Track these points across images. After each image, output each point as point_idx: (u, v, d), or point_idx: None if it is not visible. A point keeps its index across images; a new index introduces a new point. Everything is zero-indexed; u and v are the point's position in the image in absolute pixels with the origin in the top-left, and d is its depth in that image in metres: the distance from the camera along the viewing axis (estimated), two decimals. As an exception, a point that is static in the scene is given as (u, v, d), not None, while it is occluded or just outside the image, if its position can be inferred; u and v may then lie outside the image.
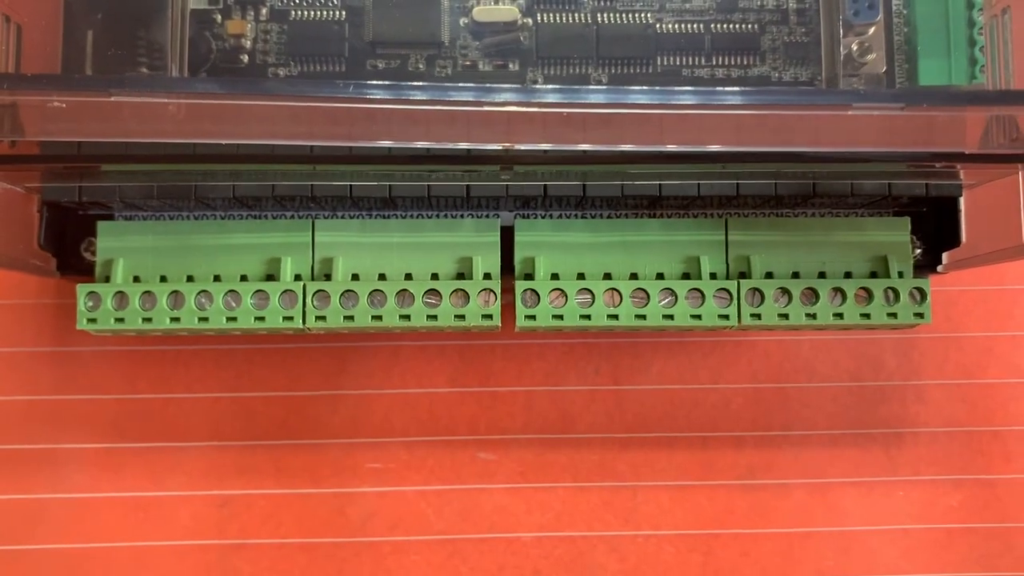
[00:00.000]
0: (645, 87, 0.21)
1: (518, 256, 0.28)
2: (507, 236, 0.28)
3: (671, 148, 0.22)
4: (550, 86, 0.21)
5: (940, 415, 0.31)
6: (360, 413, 0.30)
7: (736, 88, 0.20)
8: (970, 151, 0.23)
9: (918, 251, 0.29)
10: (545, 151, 0.23)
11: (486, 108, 0.21)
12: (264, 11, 0.29)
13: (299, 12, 0.29)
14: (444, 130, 0.22)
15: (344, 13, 0.29)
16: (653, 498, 0.30)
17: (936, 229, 0.28)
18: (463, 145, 0.23)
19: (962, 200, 0.27)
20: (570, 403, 0.31)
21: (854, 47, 0.28)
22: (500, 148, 0.23)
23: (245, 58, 0.29)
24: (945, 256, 0.28)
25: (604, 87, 0.21)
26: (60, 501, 0.30)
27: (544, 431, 0.30)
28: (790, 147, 0.22)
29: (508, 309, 0.27)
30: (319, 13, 0.29)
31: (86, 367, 0.30)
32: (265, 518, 0.30)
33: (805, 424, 0.31)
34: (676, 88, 0.21)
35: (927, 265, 0.29)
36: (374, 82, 0.21)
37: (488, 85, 0.21)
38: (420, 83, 0.21)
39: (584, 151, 0.23)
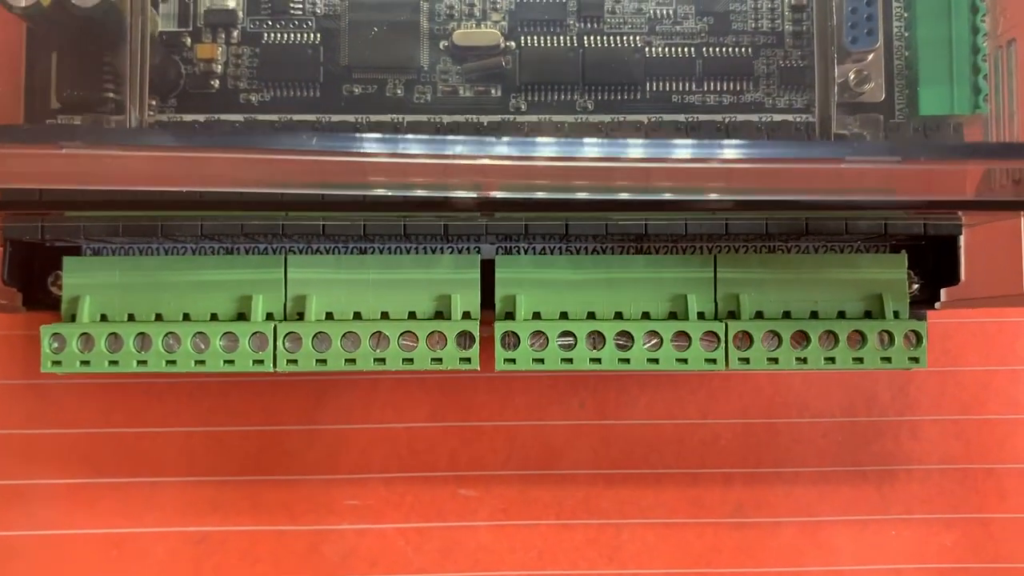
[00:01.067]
0: (636, 140, 0.19)
1: (499, 294, 0.27)
2: (488, 268, 0.27)
3: (658, 197, 0.21)
4: (532, 139, 0.19)
5: (935, 452, 0.30)
6: (337, 448, 0.30)
7: (727, 141, 0.19)
8: (970, 198, 0.22)
9: (916, 286, 0.28)
10: (525, 200, 0.22)
11: (461, 161, 0.20)
12: (235, 34, 0.28)
13: (272, 35, 0.28)
14: (420, 180, 0.21)
15: (319, 36, 0.28)
16: (639, 536, 0.29)
17: (935, 264, 0.27)
18: (440, 194, 0.22)
19: (962, 238, 0.26)
20: (554, 438, 0.30)
21: (851, 76, 0.27)
22: (476, 196, 0.22)
23: (216, 83, 0.28)
24: (943, 293, 0.27)
25: (598, 140, 0.19)
26: (33, 538, 0.29)
27: (527, 467, 0.30)
28: (782, 195, 0.21)
29: (489, 342, 0.26)
30: (292, 36, 0.28)
31: (58, 400, 0.29)
32: (241, 555, 0.29)
33: (796, 460, 0.30)
34: (665, 141, 0.20)
35: (925, 300, 0.28)
36: (338, 134, 0.20)
37: (461, 138, 0.20)
38: (384, 136, 0.19)
39: (566, 199, 0.22)
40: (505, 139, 0.20)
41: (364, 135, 0.20)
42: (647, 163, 0.20)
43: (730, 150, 0.20)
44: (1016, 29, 0.24)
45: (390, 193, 0.21)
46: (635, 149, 0.20)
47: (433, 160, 0.20)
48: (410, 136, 0.19)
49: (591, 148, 0.20)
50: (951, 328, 0.30)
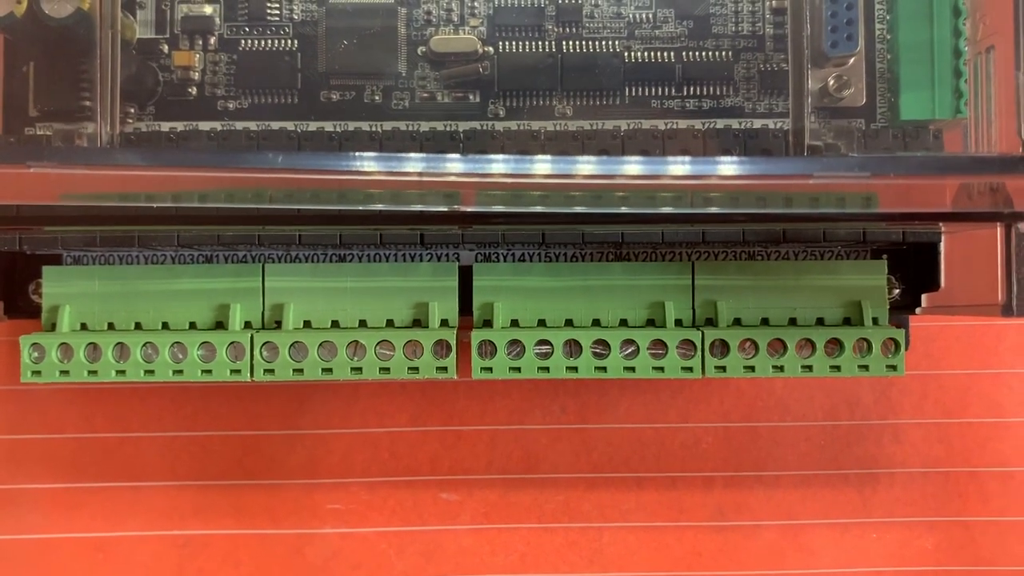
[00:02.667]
0: (595, 158, 0.19)
1: (476, 302, 0.27)
2: (466, 273, 0.27)
3: (629, 211, 0.21)
4: (503, 157, 0.19)
5: (917, 455, 0.30)
6: (319, 452, 0.30)
7: (699, 159, 0.19)
8: (946, 210, 0.22)
9: (896, 291, 0.27)
10: (504, 214, 0.22)
11: (440, 179, 0.20)
12: (213, 41, 0.27)
13: (249, 42, 0.27)
14: (396, 196, 0.21)
15: (296, 43, 0.28)
16: (620, 539, 0.29)
17: (916, 270, 0.27)
18: (417, 208, 0.22)
19: (942, 245, 0.26)
20: (535, 442, 0.30)
21: (831, 81, 0.26)
22: (449, 210, 0.21)
23: (193, 90, 0.28)
24: (924, 298, 0.27)
25: (592, 160, 0.19)
26: (17, 542, 0.29)
27: (508, 471, 0.30)
28: (756, 208, 0.21)
29: (467, 348, 0.26)
30: (270, 43, 0.27)
31: (41, 406, 0.30)
32: (224, 558, 0.29)
33: (777, 464, 0.30)
34: (627, 159, 0.19)
35: (906, 305, 0.28)
36: (304, 153, 0.20)
37: (442, 155, 0.20)
38: (360, 154, 0.19)
39: (543, 213, 0.22)
40: (500, 156, 0.20)
41: (333, 154, 0.20)
42: (626, 181, 0.20)
43: (690, 167, 0.19)
44: (995, 36, 0.23)
45: (367, 208, 0.21)
46: (633, 167, 0.19)
47: (417, 178, 0.20)
48: (372, 155, 0.19)
49: (584, 166, 0.20)
50: (934, 331, 0.30)
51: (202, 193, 0.22)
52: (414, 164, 0.20)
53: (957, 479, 0.30)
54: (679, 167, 0.19)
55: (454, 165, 0.20)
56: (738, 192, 0.20)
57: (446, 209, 0.21)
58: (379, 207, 0.21)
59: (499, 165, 0.20)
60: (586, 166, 0.19)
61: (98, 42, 0.25)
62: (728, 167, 0.19)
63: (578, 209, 0.21)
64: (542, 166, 0.19)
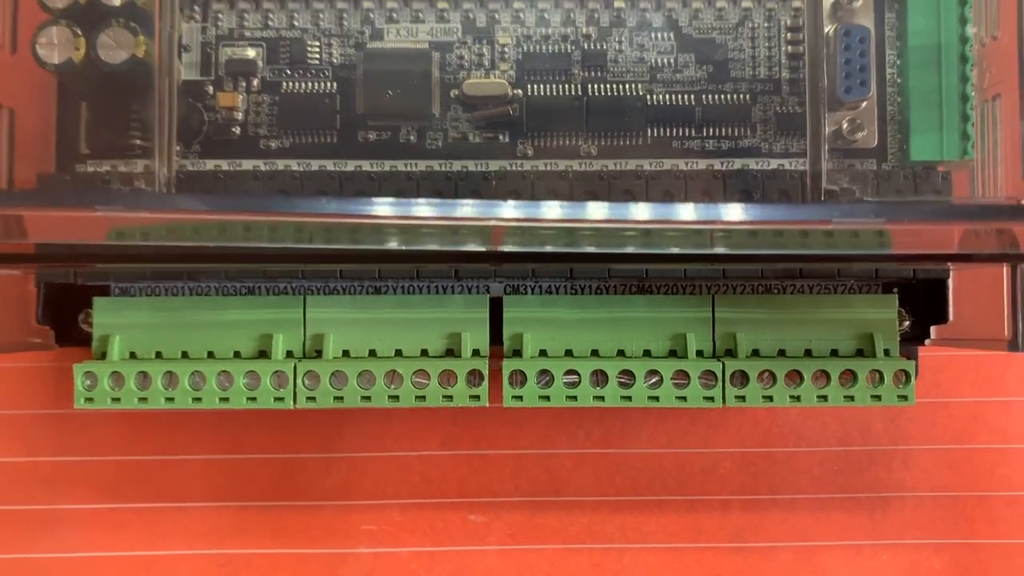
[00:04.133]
0: (635, 203, 0.21)
1: (506, 332, 0.28)
2: (496, 304, 0.29)
3: (656, 251, 0.23)
4: (543, 203, 0.21)
5: (926, 480, 0.31)
6: (354, 475, 0.31)
7: (724, 205, 0.20)
8: (956, 251, 0.23)
9: (907, 323, 0.29)
10: (533, 254, 0.23)
11: (473, 223, 0.21)
12: (256, 83, 0.29)
13: (290, 84, 0.29)
14: (434, 239, 0.22)
15: (335, 85, 0.29)
16: (641, 560, 0.31)
17: (925, 303, 0.29)
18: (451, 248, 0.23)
19: (950, 281, 0.27)
20: (560, 466, 0.31)
21: (844, 125, 0.28)
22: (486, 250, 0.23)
23: (237, 130, 0.29)
24: (933, 330, 0.28)
25: (605, 203, 0.20)
26: (61, 560, 0.31)
27: (534, 494, 0.31)
28: (776, 250, 0.22)
29: (497, 375, 0.27)
30: (310, 85, 0.29)
31: (86, 429, 0.31)
32: (262, 577, 0.31)
33: (792, 488, 0.31)
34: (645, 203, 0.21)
35: (916, 337, 0.29)
36: (356, 199, 0.21)
37: (485, 202, 0.21)
38: (397, 200, 0.21)
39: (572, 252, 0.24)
40: (511, 202, 0.21)
41: (375, 199, 0.21)
42: (647, 224, 0.21)
43: (726, 210, 0.21)
44: (1000, 85, 0.25)
45: (404, 248, 0.23)
46: (642, 210, 0.21)
47: (443, 221, 0.21)
48: (422, 200, 0.21)
49: (595, 210, 0.21)
50: (942, 360, 0.31)
51: (250, 233, 0.23)
52: (461, 209, 0.21)
53: (965, 503, 0.31)
54: (704, 212, 0.20)
55: (487, 210, 0.21)
56: (759, 235, 0.22)
57: (481, 249, 0.23)
58: (427, 247, 0.23)
59: (527, 210, 0.21)
60: (636, 211, 0.21)
61: (156, 88, 0.26)
62: (750, 212, 0.20)
63: (600, 250, 0.22)
64: (572, 210, 0.21)
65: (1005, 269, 0.24)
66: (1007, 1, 0.25)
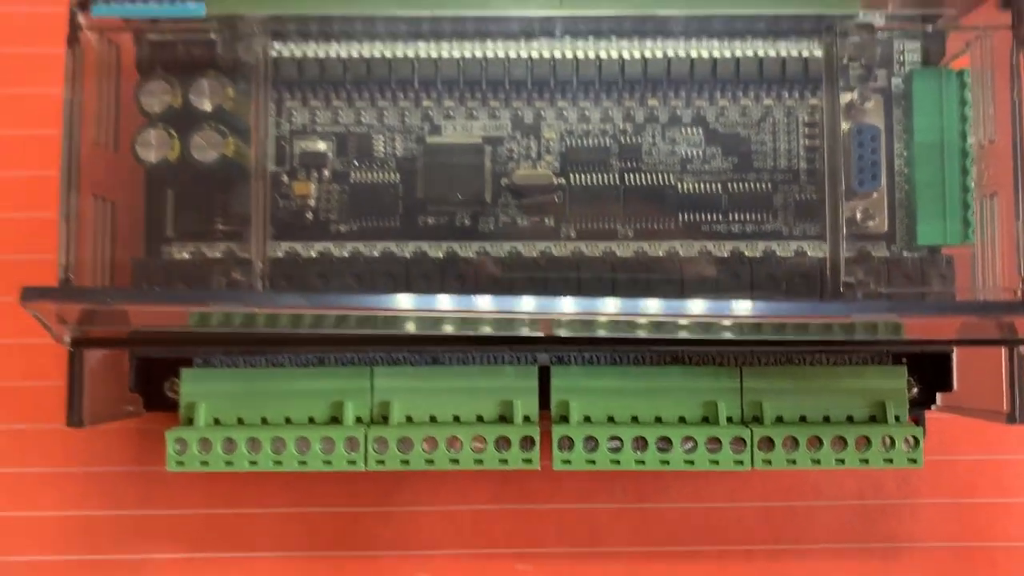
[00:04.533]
0: (661, 299, 0.24)
1: (554, 399, 0.31)
2: (544, 372, 0.31)
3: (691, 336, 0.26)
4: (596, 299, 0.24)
5: (934, 532, 0.34)
6: (410, 528, 0.34)
7: (748, 301, 0.23)
8: (962, 337, 0.26)
9: (915, 390, 0.32)
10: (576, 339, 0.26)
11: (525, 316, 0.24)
12: (327, 173, 0.32)
13: (358, 174, 0.32)
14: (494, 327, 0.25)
15: (398, 175, 0.32)
16: (673, 605, 0.34)
17: (932, 373, 0.31)
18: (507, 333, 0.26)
19: (954, 355, 0.30)
20: (599, 519, 0.34)
21: (858, 214, 0.31)
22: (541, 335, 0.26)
23: (310, 216, 0.32)
24: (939, 397, 0.31)
25: (656, 300, 0.24)
26: (144, 606, 0.34)
27: (576, 544, 0.34)
28: (800, 336, 0.26)
29: (544, 437, 0.30)
30: (376, 175, 0.32)
31: (168, 485, 0.34)
32: (326, 621, 0.33)
33: (811, 538, 0.34)
34: (690, 299, 0.24)
35: (923, 402, 0.32)
36: (435, 295, 0.24)
37: (545, 298, 0.24)
38: (460, 296, 0.24)
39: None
40: (568, 298, 0.24)
41: (441, 296, 0.24)
42: (698, 317, 0.24)
43: (760, 307, 0.24)
44: (997, 185, 0.28)
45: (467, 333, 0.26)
46: (695, 305, 0.24)
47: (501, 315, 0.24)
48: (485, 297, 0.24)
49: (650, 305, 0.24)
50: (947, 422, 0.34)
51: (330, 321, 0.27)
52: (524, 304, 0.24)
53: (969, 553, 0.34)
54: (741, 307, 0.24)
55: (546, 305, 0.24)
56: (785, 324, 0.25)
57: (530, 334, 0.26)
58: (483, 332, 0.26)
59: (583, 305, 0.25)
60: (696, 306, 0.24)
61: (252, 185, 0.29)
62: (781, 308, 0.23)
63: (650, 336, 0.26)
64: (610, 305, 0.24)
65: (1003, 351, 0.27)
66: (1002, 108, 0.28)
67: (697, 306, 0.25)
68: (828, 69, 0.31)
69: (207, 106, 0.29)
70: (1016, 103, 0.27)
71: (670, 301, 0.25)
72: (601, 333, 0.27)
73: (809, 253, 0.31)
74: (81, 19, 0.27)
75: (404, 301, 0.24)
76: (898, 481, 0.34)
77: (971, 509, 0.34)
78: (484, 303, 0.25)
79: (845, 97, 0.31)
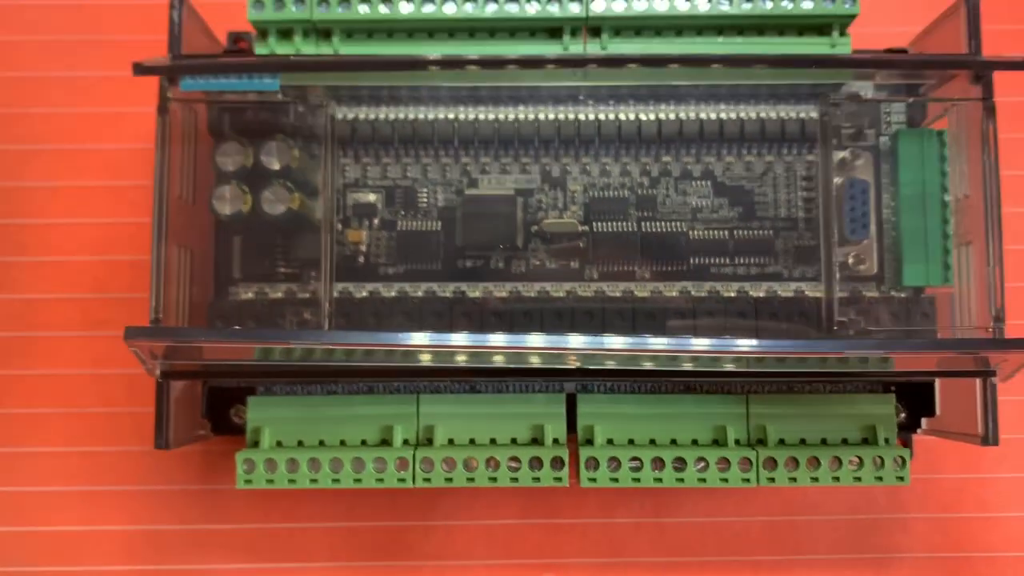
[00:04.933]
0: (694, 338, 0.28)
1: (580, 424, 0.34)
2: (571, 400, 0.35)
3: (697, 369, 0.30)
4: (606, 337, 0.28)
5: (921, 543, 0.37)
6: (448, 540, 0.37)
7: (753, 341, 0.27)
8: (943, 369, 0.30)
9: (903, 415, 0.35)
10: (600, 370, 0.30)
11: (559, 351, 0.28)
12: (376, 222, 0.36)
13: (404, 223, 0.36)
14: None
15: (440, 224, 0.36)
16: (687, 610, 0.37)
17: (918, 400, 0.35)
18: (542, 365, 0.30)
19: (937, 384, 0.34)
20: (620, 532, 0.37)
21: (850, 259, 0.35)
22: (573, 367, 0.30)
23: (362, 259, 0.36)
24: (924, 422, 0.35)
25: (665, 339, 0.28)
26: (207, 612, 0.37)
27: (598, 555, 0.37)
28: (800, 368, 0.29)
29: (571, 458, 0.33)
30: (420, 223, 0.36)
31: (228, 502, 0.37)
32: (372, 625, 0.37)
33: (810, 550, 0.37)
34: (692, 339, 0.28)
35: (910, 425, 0.35)
36: (473, 334, 0.28)
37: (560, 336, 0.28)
38: (511, 336, 0.28)
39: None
40: (618, 336, 0.28)
41: (489, 335, 0.28)
42: (702, 353, 0.28)
43: (763, 344, 0.28)
44: (971, 236, 0.32)
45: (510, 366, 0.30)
46: (700, 343, 0.28)
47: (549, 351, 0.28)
48: (535, 335, 0.28)
49: (656, 342, 0.28)
50: (933, 444, 0.37)
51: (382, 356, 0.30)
52: (535, 340, 0.28)
53: (955, 563, 0.37)
54: (747, 344, 0.27)
55: (593, 342, 0.28)
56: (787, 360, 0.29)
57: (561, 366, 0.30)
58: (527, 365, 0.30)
59: (634, 342, 0.29)
60: (701, 343, 0.28)
61: (322, 236, 0.33)
62: (782, 345, 0.27)
63: (661, 367, 0.29)
64: (655, 342, 0.28)
65: (978, 381, 0.31)
66: (974, 168, 0.32)
67: (702, 344, 0.29)
68: (822, 131, 0.35)
69: (276, 165, 0.33)
70: (986, 165, 0.31)
71: (680, 339, 0.29)
72: (612, 365, 0.30)
73: (807, 293, 0.35)
74: (169, 92, 0.31)
75: (445, 338, 0.28)
76: (889, 497, 0.38)
77: (955, 523, 0.38)
78: (497, 339, 0.29)
79: (838, 155, 0.35)
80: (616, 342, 0.30)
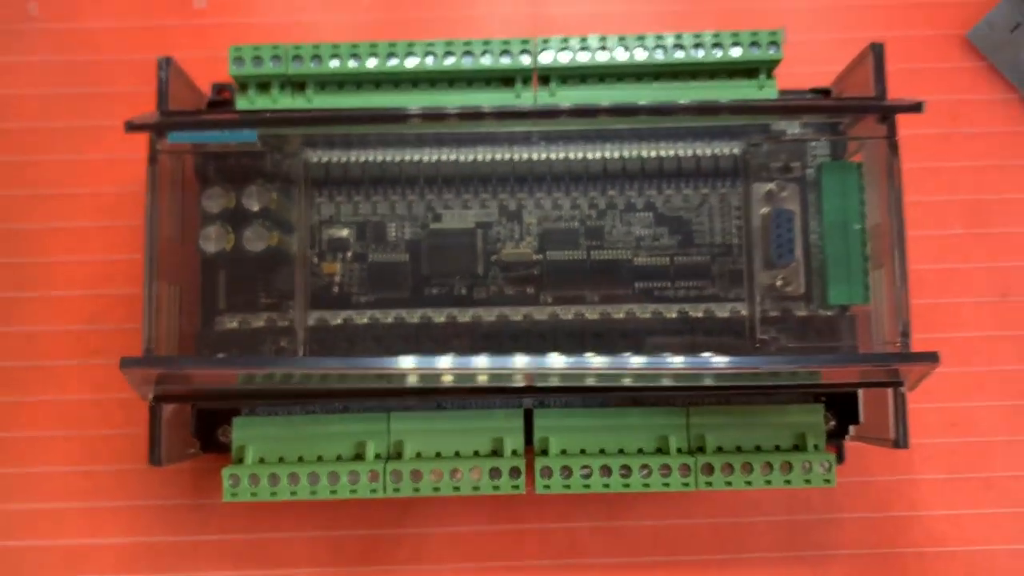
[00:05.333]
0: (604, 357, 0.31)
1: (536, 436, 0.38)
2: (528, 414, 0.38)
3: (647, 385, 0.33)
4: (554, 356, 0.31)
5: (855, 540, 0.41)
6: (420, 546, 0.40)
7: (681, 359, 0.31)
8: (862, 380, 0.33)
9: (832, 423, 0.38)
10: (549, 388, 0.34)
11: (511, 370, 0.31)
12: (349, 255, 0.39)
13: (374, 255, 0.39)
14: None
15: (407, 256, 0.39)
16: (640, 606, 0.40)
17: (845, 409, 0.38)
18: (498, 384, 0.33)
19: (860, 395, 0.37)
20: (578, 535, 0.41)
21: (778, 282, 0.38)
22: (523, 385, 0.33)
23: (336, 289, 0.39)
24: (851, 429, 0.38)
25: (601, 358, 0.31)
26: (200, 616, 0.40)
27: (559, 557, 0.40)
28: (734, 383, 0.33)
29: (530, 467, 0.37)
30: (389, 255, 0.39)
31: (217, 514, 0.41)
32: (351, 626, 0.40)
33: (752, 548, 0.41)
34: (627, 356, 0.31)
35: (839, 433, 0.39)
36: (435, 357, 0.31)
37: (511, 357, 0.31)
38: (459, 357, 0.31)
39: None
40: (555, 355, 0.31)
41: (442, 358, 0.32)
42: (641, 371, 0.31)
43: (686, 363, 0.31)
44: (882, 260, 0.35)
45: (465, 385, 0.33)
46: (635, 360, 0.31)
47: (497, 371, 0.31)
48: (481, 357, 0.31)
49: (597, 361, 0.31)
50: (865, 448, 0.41)
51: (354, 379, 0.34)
52: (481, 362, 0.31)
53: (885, 558, 0.40)
54: (684, 362, 0.31)
55: (534, 362, 0.32)
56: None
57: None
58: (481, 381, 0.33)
59: (572, 361, 0.32)
60: (637, 361, 0.31)
61: (296, 268, 0.37)
62: (711, 362, 0.31)
63: (602, 384, 0.33)
64: (596, 361, 0.31)
65: (890, 391, 0.34)
66: (883, 199, 0.35)
67: (639, 361, 0.33)
68: (744, 167, 0.38)
69: (256, 207, 0.37)
70: (891, 197, 0.34)
71: (618, 357, 0.33)
72: (561, 383, 0.34)
73: (743, 313, 0.38)
74: (158, 144, 0.35)
75: (410, 362, 0.32)
76: (824, 499, 0.41)
77: (886, 522, 0.41)
78: (444, 363, 0.32)
79: (765, 187, 0.39)
80: (558, 362, 0.33)
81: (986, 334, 0.42)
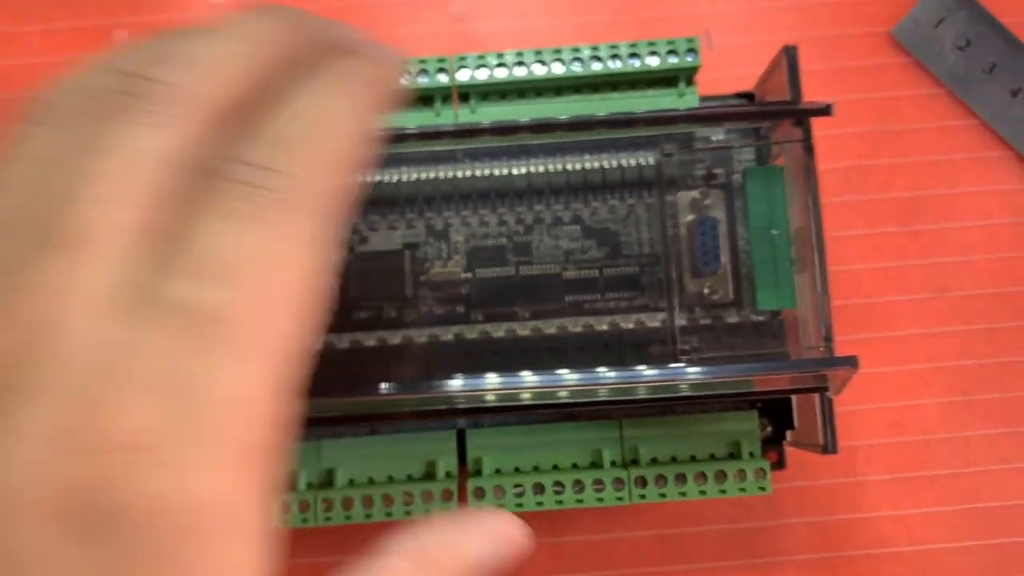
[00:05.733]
0: (538, 373, 0.31)
1: (470, 456, 0.37)
2: (461, 435, 0.38)
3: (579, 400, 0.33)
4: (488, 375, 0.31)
5: (802, 545, 0.40)
6: (363, 572, 0.40)
7: (610, 371, 0.31)
8: (791, 387, 0.33)
9: (769, 429, 0.38)
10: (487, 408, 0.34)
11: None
12: (275, 282, 0.39)
13: (301, 282, 0.39)
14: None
15: (336, 280, 0.39)
16: (586, 624, 0.40)
17: (779, 416, 0.38)
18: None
19: (793, 401, 0.37)
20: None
21: (706, 290, 0.38)
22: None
23: (263, 318, 0.39)
24: (788, 434, 0.38)
25: (534, 373, 0.31)
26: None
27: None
28: (667, 395, 0.33)
29: (464, 490, 0.36)
30: (315, 281, 0.39)
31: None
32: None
33: (698, 558, 0.40)
34: (559, 372, 0.31)
35: (776, 440, 0.38)
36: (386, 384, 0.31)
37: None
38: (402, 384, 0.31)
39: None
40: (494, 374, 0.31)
41: (385, 384, 0.31)
42: (573, 387, 0.31)
43: (615, 375, 0.31)
44: (804, 264, 0.35)
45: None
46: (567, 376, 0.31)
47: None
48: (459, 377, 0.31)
49: (530, 378, 0.31)
50: (807, 454, 0.40)
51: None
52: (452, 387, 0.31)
53: (833, 562, 0.40)
54: (610, 375, 0.31)
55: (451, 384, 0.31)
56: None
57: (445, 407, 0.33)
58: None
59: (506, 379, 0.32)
60: (565, 376, 0.31)
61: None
62: (648, 373, 0.31)
63: (537, 402, 0.33)
64: (529, 379, 0.31)
65: (817, 396, 0.34)
66: (802, 202, 0.35)
67: (572, 377, 0.32)
68: (658, 177, 0.38)
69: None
70: (808, 200, 0.34)
71: (549, 373, 0.32)
72: (492, 400, 0.34)
73: (677, 323, 0.38)
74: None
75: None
76: (768, 506, 0.40)
77: (831, 525, 0.40)
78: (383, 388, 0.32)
79: (689, 194, 0.38)
80: (493, 381, 0.33)
81: (925, 331, 0.42)
